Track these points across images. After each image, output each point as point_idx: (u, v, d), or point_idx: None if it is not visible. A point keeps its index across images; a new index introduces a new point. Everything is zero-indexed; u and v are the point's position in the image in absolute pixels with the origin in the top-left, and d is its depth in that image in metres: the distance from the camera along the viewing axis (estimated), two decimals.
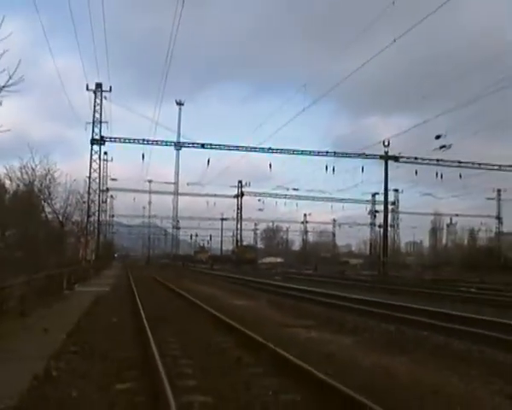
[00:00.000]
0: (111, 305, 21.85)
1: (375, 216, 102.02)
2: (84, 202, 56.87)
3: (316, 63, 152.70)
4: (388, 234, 69.85)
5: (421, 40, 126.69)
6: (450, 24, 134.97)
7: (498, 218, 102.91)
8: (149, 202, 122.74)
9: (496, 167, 63.32)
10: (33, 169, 38.13)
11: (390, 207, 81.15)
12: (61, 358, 10.44)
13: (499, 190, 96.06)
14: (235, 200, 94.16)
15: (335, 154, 61.05)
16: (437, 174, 60.20)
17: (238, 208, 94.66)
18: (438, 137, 50.46)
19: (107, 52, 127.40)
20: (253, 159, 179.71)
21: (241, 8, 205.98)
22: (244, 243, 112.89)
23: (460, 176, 61.89)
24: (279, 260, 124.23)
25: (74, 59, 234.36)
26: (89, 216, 59.13)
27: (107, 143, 60.79)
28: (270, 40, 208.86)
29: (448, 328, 14.94)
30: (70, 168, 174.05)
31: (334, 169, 59.00)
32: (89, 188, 59.21)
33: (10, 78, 15.24)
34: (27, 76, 17.05)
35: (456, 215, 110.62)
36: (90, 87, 59.47)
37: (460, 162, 60.69)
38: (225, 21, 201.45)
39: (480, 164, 62.90)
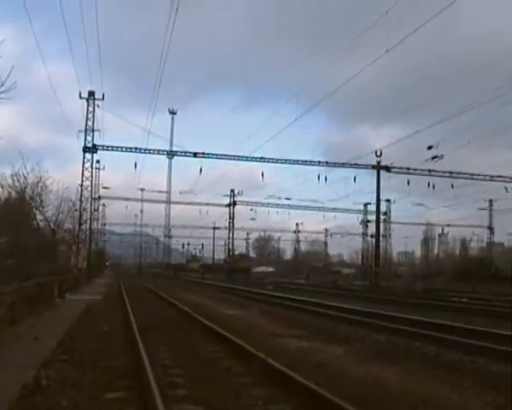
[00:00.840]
0: (102, 313, 21.78)
1: (366, 226, 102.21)
2: (75, 210, 56.88)
3: (307, 73, 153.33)
4: (380, 244, 69.89)
5: (414, 50, 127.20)
6: (442, 34, 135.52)
7: (490, 228, 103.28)
8: (141, 211, 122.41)
9: (487, 178, 63.59)
10: (25, 177, 38.15)
11: (382, 217, 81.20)
12: (51, 366, 10.39)
13: (491, 201, 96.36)
14: (228, 209, 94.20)
15: (327, 163, 61.19)
16: (429, 184, 60.33)
17: (230, 217, 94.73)
18: (430, 147, 50.64)
19: (100, 60, 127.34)
20: (246, 168, 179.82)
21: (234, 18, 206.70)
22: (236, 252, 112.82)
23: (452, 186, 62.20)
24: (271, 269, 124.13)
25: (67, 66, 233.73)
26: (80, 224, 59.07)
27: (99, 151, 60.88)
28: (263, 49, 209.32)
29: (439, 338, 14.94)
30: (62, 176, 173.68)
31: (326, 179, 59.14)
32: (81, 196, 59.23)
33: (2, 84, 15.25)
34: (19, 83, 17.03)
35: (448, 225, 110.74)
36: (82, 95, 59.69)
37: (452, 173, 60.95)
38: (217, 31, 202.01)
39: (471, 174, 63.21)
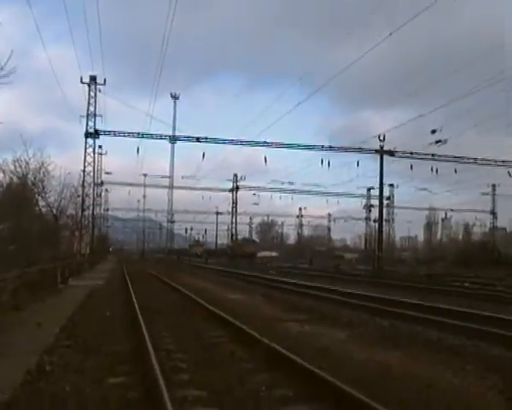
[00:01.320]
0: (105, 299, 21.80)
1: (370, 211, 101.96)
2: (78, 196, 56.77)
3: (311, 57, 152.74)
4: (383, 229, 69.88)
5: (418, 33, 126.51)
6: (447, 17, 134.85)
7: (493, 213, 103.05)
8: (144, 196, 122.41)
9: (491, 163, 63.38)
10: (27, 162, 38.09)
11: (385, 201, 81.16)
12: (54, 352, 10.42)
13: (494, 186, 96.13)
14: (231, 194, 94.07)
15: (331, 148, 60.97)
16: (432, 169, 60.14)
17: (233, 202, 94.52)
18: (433, 131, 50.36)
19: (102, 45, 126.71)
20: (249, 153, 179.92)
21: (237, 3, 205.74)
22: (240, 237, 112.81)
23: (455, 171, 61.93)
24: (274, 254, 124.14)
25: (68, 51, 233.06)
26: (83, 210, 58.98)
27: (101, 136, 60.65)
28: (266, 33, 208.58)
29: (442, 322, 14.94)
30: (64, 161, 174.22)
31: (329, 163, 58.97)
32: (83, 181, 59.07)
33: (1, 69, 15.17)
34: (19, 67, 16.98)
35: (451, 210, 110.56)
36: (84, 80, 59.37)
37: (455, 157, 60.71)
38: (220, 15, 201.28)
39: (475, 159, 62.94)
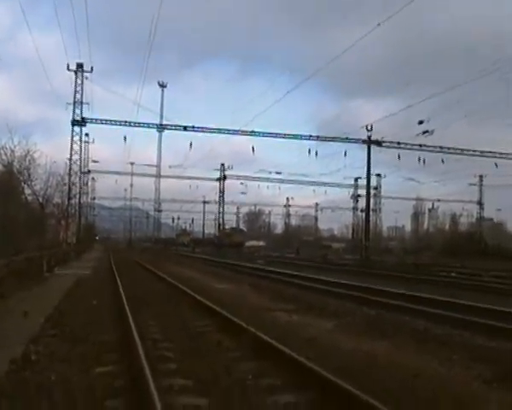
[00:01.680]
0: (91, 288, 21.72)
1: (357, 200, 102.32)
2: (64, 184, 56.58)
3: (302, 46, 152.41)
4: (370, 218, 70.17)
5: (410, 23, 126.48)
6: (436, 8, 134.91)
7: (480, 203, 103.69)
8: (131, 185, 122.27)
9: (478, 153, 63.66)
10: (12, 150, 37.89)
11: (372, 191, 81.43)
12: (40, 341, 10.37)
13: (481, 176, 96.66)
14: (218, 183, 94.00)
15: (318, 138, 61.03)
16: (419, 159, 60.41)
17: (220, 192, 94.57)
18: (421, 122, 50.53)
19: (89, 32, 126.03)
20: (237, 142, 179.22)
21: None
22: (227, 227, 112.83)
23: (442, 161, 62.24)
24: (261, 243, 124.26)
25: (55, 38, 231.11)
26: (69, 198, 58.76)
27: (88, 124, 60.39)
28: (256, 21, 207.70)
29: (429, 312, 15.00)
30: (51, 149, 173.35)
31: (316, 153, 59.09)
32: (69, 170, 58.89)
33: None
34: (5, 55, 16.78)
35: (438, 200, 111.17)
36: (71, 67, 59.04)
37: (442, 148, 60.94)
38: (210, 1, 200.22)
39: (462, 150, 63.23)
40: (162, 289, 22.16)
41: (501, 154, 62.32)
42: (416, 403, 6.80)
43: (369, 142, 56.77)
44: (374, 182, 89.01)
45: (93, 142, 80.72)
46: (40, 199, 44.24)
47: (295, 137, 61.42)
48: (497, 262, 50.91)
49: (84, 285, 22.79)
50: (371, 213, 76.61)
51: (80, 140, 60.86)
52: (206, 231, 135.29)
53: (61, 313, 14.30)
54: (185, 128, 59.60)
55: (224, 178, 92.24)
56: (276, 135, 61.48)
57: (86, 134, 72.04)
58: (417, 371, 8.38)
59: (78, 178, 62.52)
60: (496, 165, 63.52)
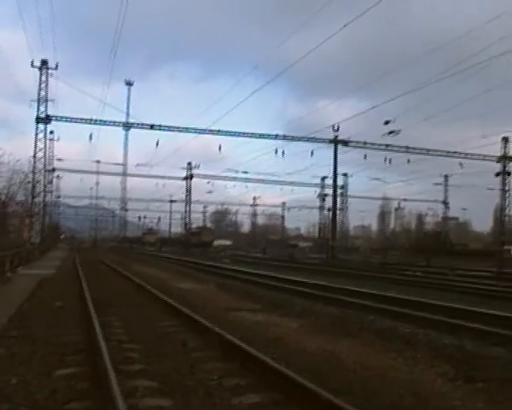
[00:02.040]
0: (56, 288, 21.45)
1: (324, 200, 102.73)
2: (28, 182, 55.87)
3: (268, 45, 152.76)
4: (337, 217, 70.49)
5: (373, 25, 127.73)
6: (401, 10, 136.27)
7: (445, 203, 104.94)
8: (97, 183, 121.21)
9: (443, 153, 64.37)
10: None
11: (339, 190, 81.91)
12: (1, 343, 10.18)
13: (446, 176, 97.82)
14: (185, 182, 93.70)
15: (285, 137, 61.06)
16: (386, 159, 60.86)
17: (187, 190, 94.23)
18: (387, 122, 50.90)
19: (54, 28, 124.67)
20: (204, 140, 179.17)
21: None
22: (194, 226, 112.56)
23: (408, 161, 62.81)
24: (228, 242, 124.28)
25: (18, 33, 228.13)
26: (34, 197, 58.00)
27: (53, 122, 59.63)
28: (223, 20, 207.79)
29: (394, 311, 15.12)
30: (14, 147, 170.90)
31: (283, 152, 59.23)
32: (33, 168, 58.09)
33: None
34: None
35: (404, 200, 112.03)
36: (35, 64, 58.28)
37: (408, 148, 61.49)
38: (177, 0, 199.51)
39: (427, 150, 63.89)
40: (127, 289, 22.00)
41: (466, 154, 63.08)
42: (379, 401, 6.83)
43: (335, 141, 57.09)
44: (340, 181, 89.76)
45: (58, 140, 79.91)
46: (3, 197, 43.61)
47: (262, 136, 61.46)
48: (463, 261, 51.54)
49: (47, 286, 22.49)
50: (338, 212, 76.97)
51: (45, 138, 60.06)
52: (172, 230, 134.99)
53: (24, 315, 14.10)
54: (152, 127, 59.26)
55: (191, 176, 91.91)
56: (243, 134, 61.45)
57: (51, 132, 71.28)
58: (382, 370, 8.43)
59: (42, 177, 61.72)
60: (461, 165, 64.31)
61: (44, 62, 58.21)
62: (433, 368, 8.89)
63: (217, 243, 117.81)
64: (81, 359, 9.09)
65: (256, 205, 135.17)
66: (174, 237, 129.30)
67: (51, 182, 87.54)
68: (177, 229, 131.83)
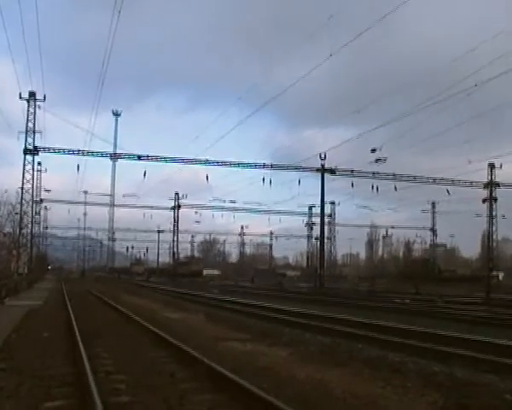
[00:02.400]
0: (43, 319, 21.31)
1: (311, 228, 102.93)
2: (16, 214, 55.66)
3: (253, 76, 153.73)
4: (325, 246, 70.50)
5: (358, 55, 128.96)
6: (385, 41, 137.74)
7: (433, 230, 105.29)
8: (85, 214, 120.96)
9: (430, 180, 64.70)
10: None
11: (327, 219, 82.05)
12: None
13: (434, 203, 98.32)
14: (172, 212, 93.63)
15: (272, 166, 61.22)
16: (373, 187, 61.06)
17: (175, 220, 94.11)
18: (373, 150, 51.27)
19: (42, 60, 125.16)
20: (191, 170, 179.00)
21: (178, 19, 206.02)
22: (182, 256, 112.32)
23: (395, 188, 63.05)
24: (216, 272, 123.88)
25: (6, 65, 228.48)
26: (21, 228, 57.76)
27: (41, 153, 59.57)
28: (209, 52, 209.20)
29: (382, 340, 15.09)
30: (1, 178, 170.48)
31: (270, 181, 59.36)
32: (21, 199, 57.92)
33: None
34: None
35: (392, 227, 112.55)
36: (23, 96, 58.33)
37: (395, 175, 61.76)
38: (163, 32, 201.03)
39: (414, 177, 64.20)
40: (115, 319, 21.87)
41: (453, 181, 63.44)
42: None
43: (322, 170, 57.29)
44: (328, 210, 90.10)
45: (45, 171, 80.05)
46: None
47: (249, 165, 61.59)
48: (451, 287, 51.64)
49: (35, 317, 22.35)
50: (326, 240, 77.08)
51: (32, 169, 59.94)
52: (160, 260, 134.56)
53: (11, 346, 13.98)
54: (139, 157, 59.24)
55: (179, 207, 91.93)
56: (230, 164, 61.53)
57: (39, 163, 71.46)
58: (371, 399, 8.40)
59: (30, 208, 61.47)
60: (448, 192, 64.63)
61: (32, 94, 58.28)
62: (423, 397, 8.86)
63: (205, 272, 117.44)
64: (69, 391, 9.01)
65: (244, 234, 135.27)
66: (162, 267, 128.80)
67: (39, 213, 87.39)
68: (166, 259, 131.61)
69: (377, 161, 52.12)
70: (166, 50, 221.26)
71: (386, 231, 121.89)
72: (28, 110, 58.45)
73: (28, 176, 58.91)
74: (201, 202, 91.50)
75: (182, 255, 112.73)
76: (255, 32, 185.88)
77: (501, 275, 75.71)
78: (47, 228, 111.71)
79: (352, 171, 60.26)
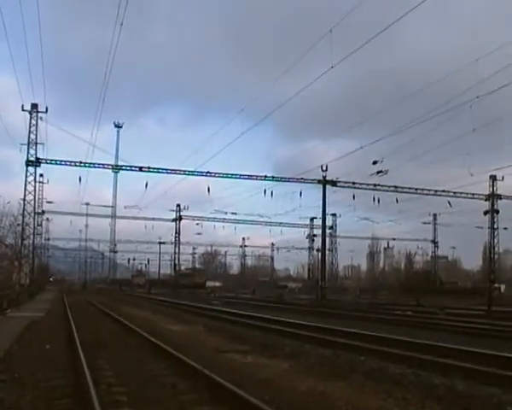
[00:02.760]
0: (44, 331, 21.33)
1: (313, 240, 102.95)
2: (18, 225, 55.70)
3: (255, 87, 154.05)
4: (326, 258, 70.49)
5: (359, 67, 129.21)
6: (386, 52, 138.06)
7: (434, 242, 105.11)
8: (86, 225, 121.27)
9: (431, 192, 64.74)
10: None
11: (328, 231, 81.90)
12: None
13: (435, 215, 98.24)
14: (174, 224, 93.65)
15: (273, 178, 61.33)
16: (374, 199, 61.08)
17: (176, 232, 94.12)
18: (375, 162, 51.24)
19: (44, 72, 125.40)
20: (192, 182, 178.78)
21: (180, 32, 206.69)
22: (185, 267, 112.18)
23: (396, 200, 63.09)
24: (218, 284, 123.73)
25: (9, 77, 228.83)
26: (23, 239, 57.78)
27: (42, 164, 59.72)
28: (210, 63, 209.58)
29: (384, 352, 15.07)
30: (4, 190, 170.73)
31: (272, 193, 59.47)
32: (23, 210, 57.99)
33: None
34: None
35: (393, 239, 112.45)
36: (25, 107, 58.46)
37: (396, 187, 61.80)
38: (164, 43, 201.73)
39: (416, 189, 64.25)
40: (116, 331, 21.88)
41: (454, 193, 63.50)
42: None
43: (324, 182, 57.30)
44: (329, 222, 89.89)
45: (47, 182, 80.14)
46: None
47: (250, 177, 61.67)
48: (452, 300, 51.55)
49: (36, 329, 22.36)
50: (327, 252, 77.03)
51: (35, 180, 60.04)
52: (162, 272, 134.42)
53: (12, 358, 13.98)
54: (141, 169, 59.38)
55: (180, 218, 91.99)
56: (232, 175, 61.63)
57: (41, 174, 71.57)
58: None
59: (31, 219, 61.52)
60: (449, 204, 64.67)
61: (34, 106, 58.36)
62: (424, 409, 8.86)
63: (207, 284, 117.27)
64: (70, 403, 9.02)
65: (245, 246, 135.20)
66: (163, 278, 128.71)
67: (41, 224, 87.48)
68: (167, 270, 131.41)
69: (378, 173, 52.12)
70: (168, 63, 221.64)
71: (388, 243, 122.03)
72: (30, 122, 58.59)
73: (30, 187, 59.04)
74: (203, 214, 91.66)
75: (183, 267, 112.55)
76: (256, 45, 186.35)
77: (502, 287, 75.64)
78: (49, 239, 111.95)
79: (354, 183, 60.32)
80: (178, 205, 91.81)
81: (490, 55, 31.20)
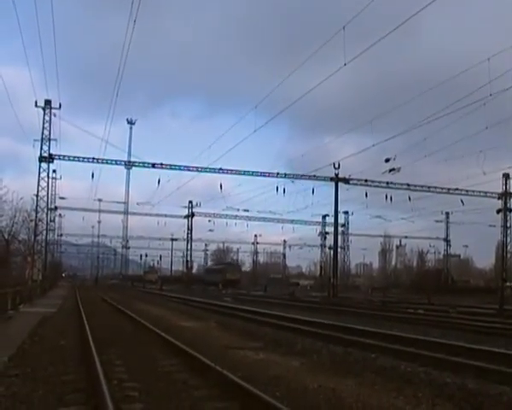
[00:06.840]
0: (57, 327, 21.40)
1: (325, 238, 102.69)
2: (31, 221, 55.97)
3: (269, 83, 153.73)
4: (338, 256, 70.41)
5: (373, 63, 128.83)
6: (401, 48, 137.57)
7: (447, 240, 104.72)
8: (99, 221, 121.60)
9: (444, 190, 64.54)
10: None
11: (340, 228, 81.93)
12: (1, 382, 10.13)
13: (447, 213, 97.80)
14: (186, 220, 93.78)
15: (286, 175, 61.35)
16: (387, 197, 60.93)
17: (188, 229, 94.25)
18: (387, 160, 51.11)
19: (57, 68, 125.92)
20: (205, 179, 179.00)
21: (195, 26, 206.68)
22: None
23: (409, 198, 62.90)
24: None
25: (23, 73, 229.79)
26: (36, 235, 58.05)
27: (56, 160, 59.99)
28: (224, 58, 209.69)
29: (395, 350, 15.03)
30: (17, 186, 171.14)
31: (284, 190, 59.46)
32: (36, 206, 58.26)
33: None
34: None
35: (406, 237, 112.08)
36: (38, 104, 58.68)
37: (409, 185, 61.65)
38: (178, 39, 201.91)
39: (428, 187, 64.09)
40: (128, 327, 21.95)
41: (467, 191, 63.24)
42: None
43: (336, 179, 57.26)
44: (341, 219, 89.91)
45: (60, 178, 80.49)
46: (5, 235, 43.72)
47: (263, 174, 61.68)
48: (464, 298, 51.35)
49: (49, 324, 22.45)
50: (339, 250, 77.01)
51: (47, 176, 60.30)
52: (174, 268, 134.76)
53: (25, 353, 14.05)
54: (153, 165, 59.58)
55: (192, 215, 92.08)
56: (244, 172, 61.68)
57: (54, 170, 71.80)
58: (383, 409, 8.40)
59: (45, 215, 61.80)
60: (462, 202, 64.46)
61: (48, 102, 58.55)
62: (435, 407, 8.84)
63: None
64: (82, 397, 9.06)
65: (257, 243, 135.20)
66: (175, 275, 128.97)
67: (53, 220, 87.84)
68: (179, 267, 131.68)
69: (391, 170, 51.96)
70: (181, 58, 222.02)
71: (400, 241, 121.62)
72: (44, 118, 58.81)
73: (43, 183, 59.31)
74: (215, 211, 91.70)
75: (195, 263, 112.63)
76: (270, 41, 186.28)
77: None
78: (61, 235, 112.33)
79: (366, 180, 60.25)
80: (191, 202, 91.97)
81: (503, 52, 30.90)
